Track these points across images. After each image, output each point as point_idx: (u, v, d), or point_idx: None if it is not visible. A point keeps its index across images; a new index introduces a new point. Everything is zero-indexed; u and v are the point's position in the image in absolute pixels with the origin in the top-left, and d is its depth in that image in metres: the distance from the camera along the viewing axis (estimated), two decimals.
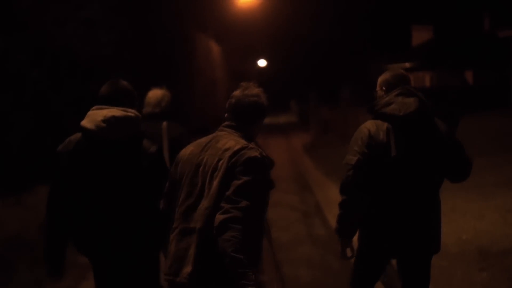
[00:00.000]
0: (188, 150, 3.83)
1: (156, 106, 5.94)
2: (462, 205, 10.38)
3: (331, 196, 11.97)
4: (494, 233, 8.64)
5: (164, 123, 5.87)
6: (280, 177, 16.25)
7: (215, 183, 3.53)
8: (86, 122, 4.23)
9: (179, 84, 19.59)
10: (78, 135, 4.29)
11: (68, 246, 4.35)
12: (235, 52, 41.69)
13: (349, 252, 4.53)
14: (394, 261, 4.82)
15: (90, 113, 4.29)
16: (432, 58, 32.81)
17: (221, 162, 3.57)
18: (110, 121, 4.16)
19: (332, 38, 37.42)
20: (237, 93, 3.88)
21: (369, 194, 4.37)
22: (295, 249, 8.99)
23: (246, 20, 35.36)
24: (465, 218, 9.60)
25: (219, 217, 3.38)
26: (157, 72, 17.19)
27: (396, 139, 4.32)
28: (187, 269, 3.48)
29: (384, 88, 4.58)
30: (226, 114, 3.90)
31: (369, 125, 4.42)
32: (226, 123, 3.87)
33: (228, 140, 3.70)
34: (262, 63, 54.22)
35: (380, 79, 4.66)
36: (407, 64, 32.32)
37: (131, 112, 4.28)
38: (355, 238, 4.55)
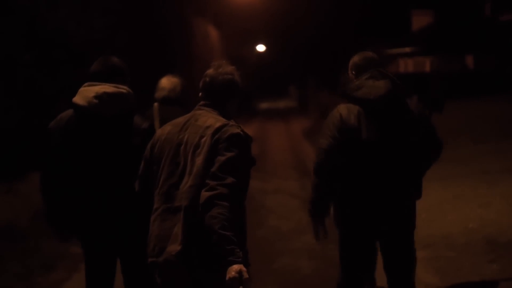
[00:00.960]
0: (165, 130, 3.82)
1: (171, 91, 6.12)
2: (467, 193, 10.16)
3: None
4: (501, 222, 8.39)
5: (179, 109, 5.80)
6: (279, 164, 16.30)
7: (199, 160, 3.54)
8: (78, 99, 4.25)
9: (176, 69, 19.23)
10: (69, 112, 4.31)
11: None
12: (234, 37, 41.31)
13: (322, 233, 4.60)
14: None
15: (81, 89, 4.30)
16: (432, 43, 32.49)
17: (203, 139, 3.58)
18: (102, 98, 4.18)
19: (332, 23, 37.10)
20: (210, 71, 3.89)
21: (341, 178, 4.47)
22: (296, 239, 8.72)
23: (244, 5, 34.98)
24: (470, 206, 9.36)
25: (205, 194, 3.39)
26: (154, 56, 16.86)
27: (367, 122, 4.40)
28: (175, 247, 3.47)
29: (353, 72, 4.67)
30: (200, 94, 3.90)
31: (341, 109, 4.50)
32: (202, 102, 3.86)
33: (208, 118, 3.71)
34: (261, 48, 53.82)
35: (350, 63, 4.74)
36: (407, 49, 32.07)
37: (123, 88, 4.29)
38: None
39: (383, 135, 4.42)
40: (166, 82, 6.22)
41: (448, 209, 9.37)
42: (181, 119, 3.83)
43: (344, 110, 4.49)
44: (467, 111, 19.18)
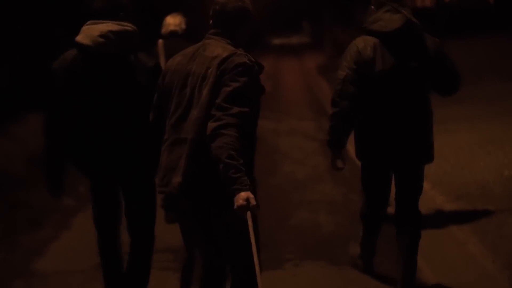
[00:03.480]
0: (175, 61, 3.79)
1: (177, 26, 6.41)
2: (498, 135, 9.44)
3: None
4: None
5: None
6: (293, 102, 15.66)
7: (205, 91, 3.53)
8: (81, 38, 4.18)
9: (190, 8, 18.46)
10: (73, 51, 4.25)
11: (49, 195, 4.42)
12: None
13: (340, 164, 4.81)
14: None
15: (84, 28, 4.24)
16: None
17: (210, 70, 3.56)
18: (107, 36, 4.13)
19: None
20: None
21: (359, 108, 4.60)
22: (313, 188, 7.97)
23: None
24: (503, 150, 8.60)
25: (211, 125, 3.37)
26: None
27: (382, 54, 4.56)
28: (177, 179, 3.50)
29: (373, 6, 4.76)
30: (211, 21, 3.79)
31: (358, 42, 4.66)
32: (212, 30, 3.77)
33: (216, 48, 3.65)
34: None
35: None
36: None
37: (128, 26, 4.24)
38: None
39: (398, 66, 4.55)
40: (171, 19, 6.50)
41: (479, 154, 8.69)
42: (190, 49, 3.78)
43: (361, 42, 4.64)
44: (489, 48, 18.26)
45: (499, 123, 10.05)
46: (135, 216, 4.47)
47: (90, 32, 4.16)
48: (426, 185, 7.62)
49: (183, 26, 6.47)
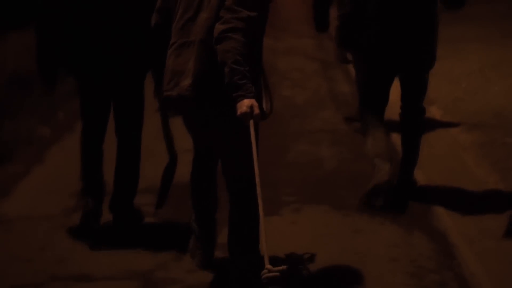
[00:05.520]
0: None
1: None
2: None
3: None
4: None
5: None
6: (291, 18, 14.94)
7: None
8: None
9: None
10: None
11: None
12: None
13: (349, 56, 5.05)
14: None
15: None
16: None
17: None
18: None
19: None
20: None
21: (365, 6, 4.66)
22: (314, 115, 7.32)
23: None
24: None
25: (219, 27, 3.34)
26: None
27: None
28: (187, 81, 3.45)
29: None
30: None
31: None
32: None
33: None
34: None
35: None
36: None
37: None
38: None
39: None
40: None
41: (492, 77, 8.17)
42: None
43: None
44: None
45: (511, 43, 9.42)
46: (123, 119, 4.45)
47: None
48: (436, 112, 7.14)
49: None
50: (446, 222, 4.56)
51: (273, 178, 5.32)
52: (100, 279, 3.93)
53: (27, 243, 4.44)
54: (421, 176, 5.19)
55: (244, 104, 3.21)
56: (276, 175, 5.49)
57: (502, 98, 7.20)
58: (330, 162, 5.87)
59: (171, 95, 3.55)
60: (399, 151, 5.10)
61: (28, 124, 6.56)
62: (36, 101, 6.87)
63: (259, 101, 3.35)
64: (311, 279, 3.88)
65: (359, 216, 4.68)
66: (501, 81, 7.83)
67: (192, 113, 3.62)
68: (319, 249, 4.16)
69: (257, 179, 3.10)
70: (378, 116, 4.95)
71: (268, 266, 2.73)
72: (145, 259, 4.14)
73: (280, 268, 2.70)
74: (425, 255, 4.10)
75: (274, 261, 2.98)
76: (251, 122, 3.22)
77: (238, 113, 3.22)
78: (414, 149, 4.92)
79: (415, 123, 4.92)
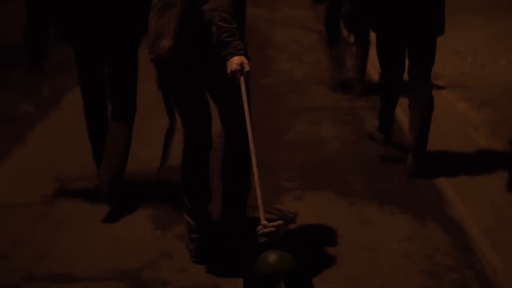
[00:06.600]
0: None
1: None
2: None
3: None
4: None
5: None
6: None
7: None
8: None
9: None
10: None
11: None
12: None
13: (352, 39, 5.61)
14: None
15: None
16: None
17: None
18: None
19: None
20: None
21: None
22: (314, 91, 6.96)
23: None
24: None
25: None
26: None
27: None
28: (167, 42, 3.46)
29: None
30: None
31: None
32: None
33: None
34: None
35: None
36: None
37: None
38: None
39: None
40: None
41: (499, 50, 7.95)
42: None
43: None
44: None
45: None
46: (117, 85, 4.44)
47: None
48: (442, 89, 6.79)
49: None
50: (460, 211, 4.22)
51: (272, 161, 4.96)
52: (82, 279, 3.54)
53: (3, 236, 4.05)
54: (430, 157, 4.84)
55: (234, 62, 3.19)
56: (275, 158, 5.12)
57: (510, 73, 6.95)
58: (333, 143, 5.51)
59: (154, 58, 3.56)
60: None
61: (10, 100, 6.25)
62: (19, 75, 6.49)
63: (247, 55, 3.30)
64: (315, 277, 3.47)
65: (368, 204, 4.32)
66: (509, 55, 7.59)
67: (174, 75, 3.55)
68: (324, 244, 3.81)
69: (250, 136, 2.96)
70: (395, 86, 5.16)
71: (264, 222, 2.54)
72: (132, 257, 3.75)
73: (275, 223, 2.53)
74: (442, 250, 3.74)
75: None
76: (242, 79, 3.17)
77: (228, 71, 3.19)
78: (425, 127, 4.75)
79: (425, 103, 4.75)
